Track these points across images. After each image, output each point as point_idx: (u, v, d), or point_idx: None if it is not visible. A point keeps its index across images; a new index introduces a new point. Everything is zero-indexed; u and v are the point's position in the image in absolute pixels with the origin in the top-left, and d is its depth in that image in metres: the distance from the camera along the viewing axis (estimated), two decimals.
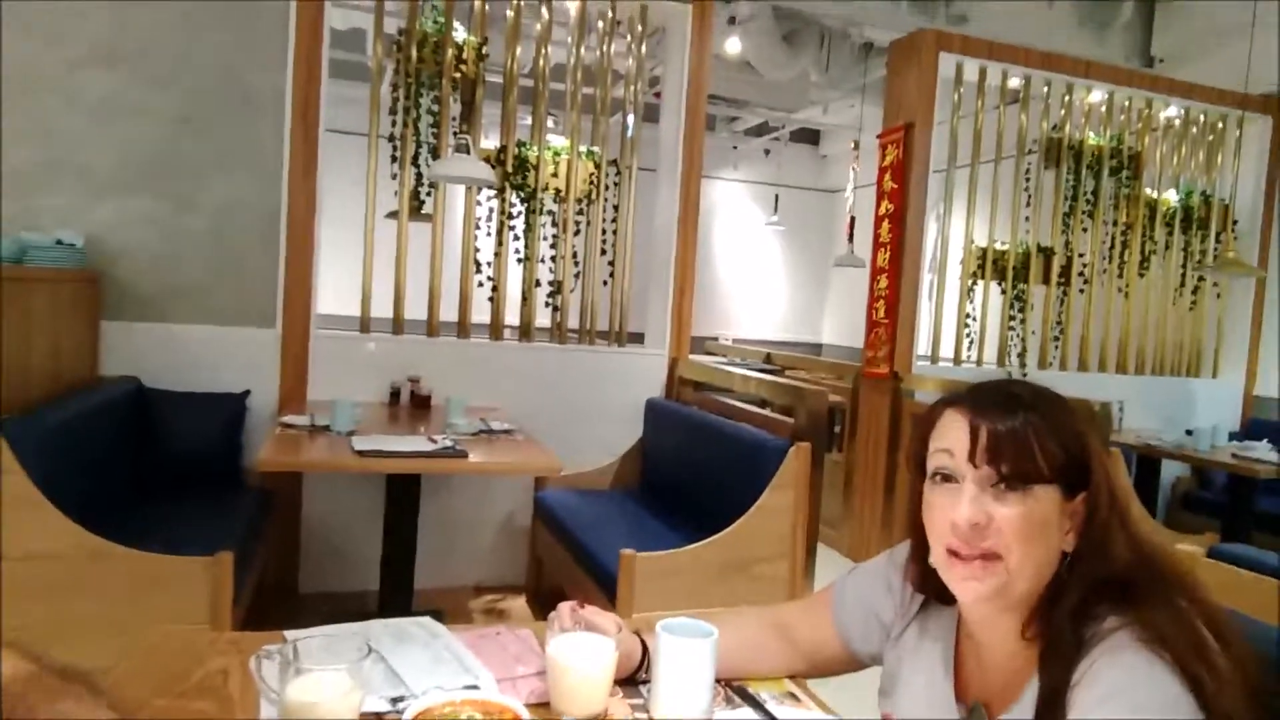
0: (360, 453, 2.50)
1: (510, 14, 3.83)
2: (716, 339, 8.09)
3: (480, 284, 3.83)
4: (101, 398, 2.86)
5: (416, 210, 3.76)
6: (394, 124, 3.67)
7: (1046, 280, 4.93)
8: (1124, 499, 0.91)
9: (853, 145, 8.02)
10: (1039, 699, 0.86)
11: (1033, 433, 0.87)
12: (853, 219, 7.86)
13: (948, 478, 0.91)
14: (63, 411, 2.53)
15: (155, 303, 3.28)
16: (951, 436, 0.91)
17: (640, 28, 4.02)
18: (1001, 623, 0.93)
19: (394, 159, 3.69)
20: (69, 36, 3.14)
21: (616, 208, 4.09)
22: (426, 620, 1.27)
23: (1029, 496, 0.87)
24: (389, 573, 2.91)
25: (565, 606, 1.12)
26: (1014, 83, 4.76)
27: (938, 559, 0.92)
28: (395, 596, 2.87)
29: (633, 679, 1.12)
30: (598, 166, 4.01)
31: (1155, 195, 5.14)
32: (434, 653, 1.16)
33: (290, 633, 1.20)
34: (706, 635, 1.05)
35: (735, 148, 9.02)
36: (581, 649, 1.03)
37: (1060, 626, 0.86)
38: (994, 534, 0.87)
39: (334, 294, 3.85)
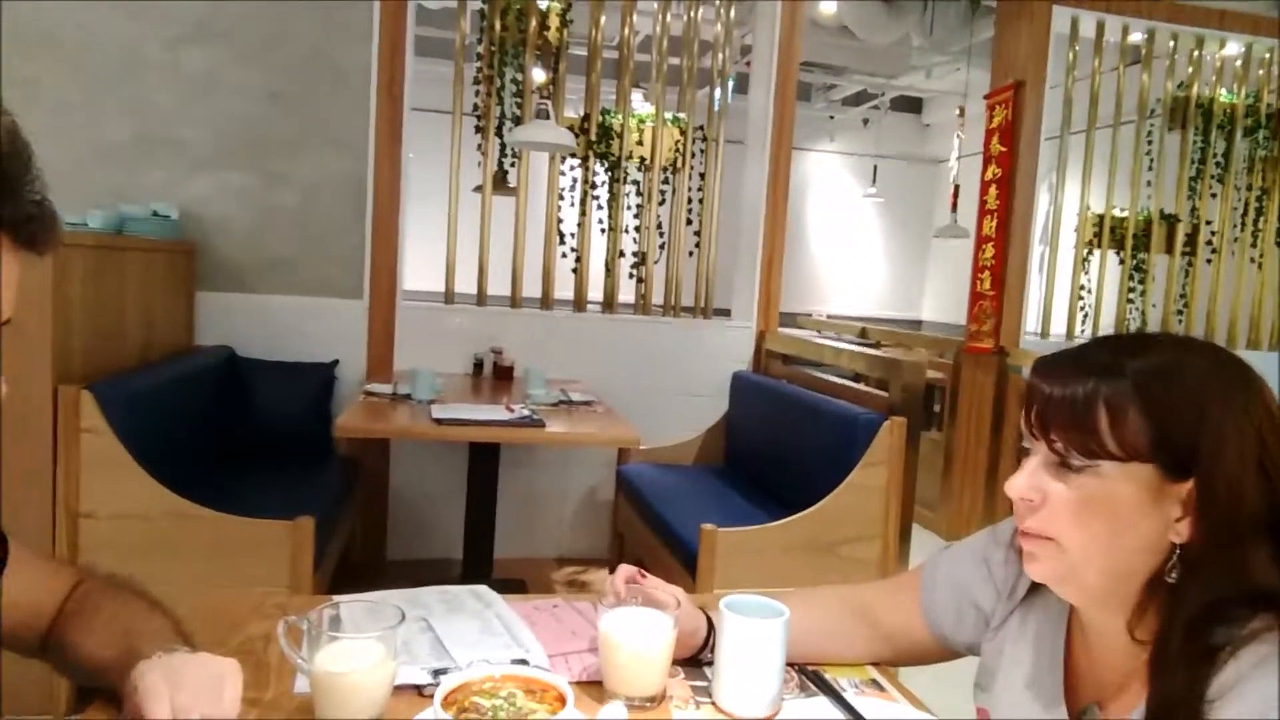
0: (438, 420, 2.48)
1: None
2: (810, 315, 7.86)
3: (564, 255, 3.78)
4: (194, 365, 2.93)
5: (501, 183, 3.73)
6: (477, 95, 3.64)
7: (1170, 250, 4.57)
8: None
9: (958, 112, 7.64)
10: (1146, 712, 0.73)
11: (1104, 404, 0.73)
12: (956, 188, 7.50)
13: (1026, 449, 0.80)
14: (154, 377, 2.59)
15: (248, 274, 3.34)
16: (1025, 404, 0.80)
17: None
18: (1106, 617, 0.79)
19: (478, 129, 3.66)
20: (168, 16, 3.21)
21: (703, 176, 3.97)
22: (482, 589, 1.21)
23: (1094, 475, 0.74)
24: (471, 541, 2.90)
25: (621, 574, 1.02)
26: (1136, 38, 4.40)
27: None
28: (477, 565, 2.86)
29: (696, 659, 1.03)
30: (684, 133, 3.89)
31: None
32: (484, 623, 1.09)
33: (339, 598, 1.15)
34: (777, 615, 0.95)
35: (832, 117, 8.73)
36: (637, 624, 0.94)
37: (1173, 635, 0.72)
38: (1046, 513, 0.76)
39: (420, 270, 3.87)
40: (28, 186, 0.60)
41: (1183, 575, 0.73)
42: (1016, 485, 0.78)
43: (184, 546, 2.27)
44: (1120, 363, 0.75)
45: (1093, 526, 0.74)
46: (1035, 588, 0.92)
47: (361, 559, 3.39)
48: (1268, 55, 4.55)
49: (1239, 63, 4.55)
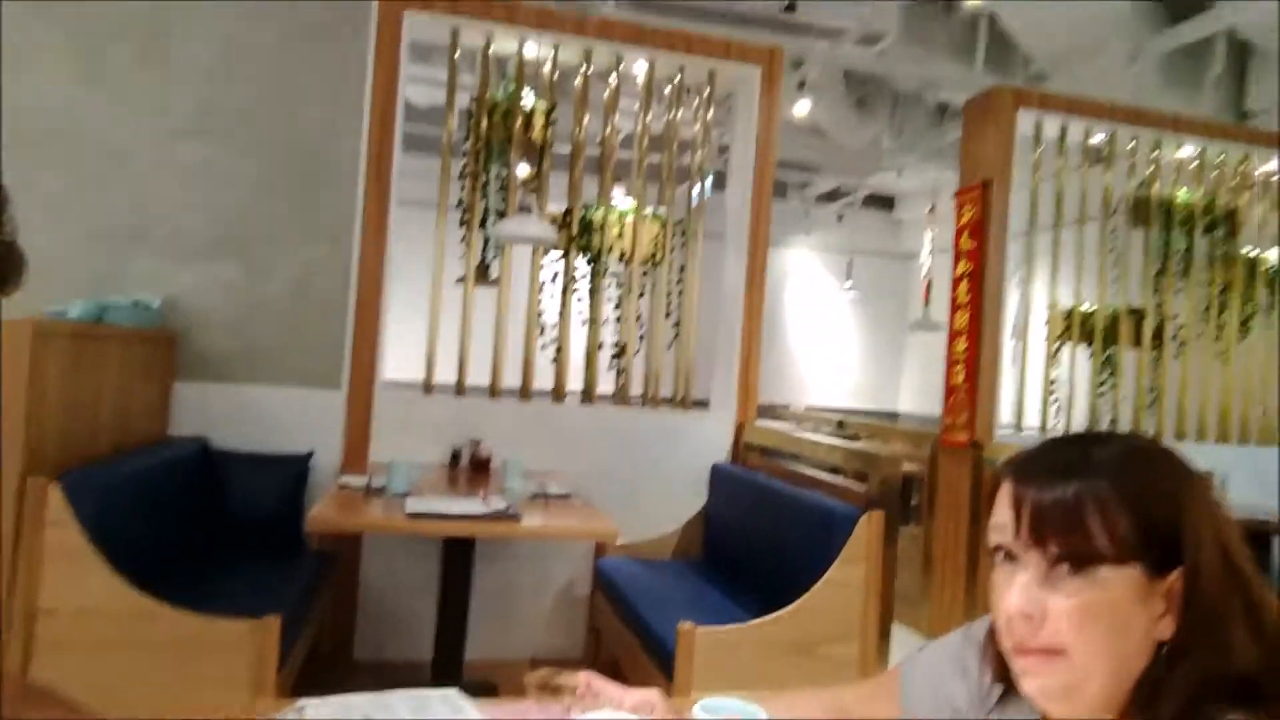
0: (412, 515, 2.44)
1: (579, 83, 3.88)
2: (788, 407, 7.91)
3: (544, 347, 3.81)
4: (167, 456, 2.90)
5: (483, 275, 3.78)
6: (463, 189, 3.73)
7: (1138, 343, 4.66)
8: (1251, 576, 0.73)
9: (929, 209, 7.88)
10: None
11: (1092, 503, 0.71)
12: (929, 282, 7.66)
13: (1009, 555, 0.77)
14: (125, 468, 2.56)
15: (228, 364, 3.33)
16: (1002, 510, 0.77)
17: (709, 91, 4.02)
18: None
19: (462, 223, 3.73)
20: (164, 109, 3.29)
21: (683, 269, 4.04)
22: (452, 693, 1.18)
23: (1093, 581, 0.71)
24: (442, 642, 2.82)
25: (582, 680, 1.00)
26: (1097, 140, 4.59)
27: (1004, 648, 0.78)
28: (447, 667, 2.77)
29: None
30: (664, 227, 3.98)
31: (1255, 254, 4.85)
32: None
33: (304, 701, 1.12)
34: (753, 717, 0.93)
35: (808, 214, 8.97)
36: None
37: None
38: (1050, 628, 0.73)
39: (400, 362, 3.88)
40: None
41: (1169, 672, 0.72)
42: (1014, 604, 0.74)
43: (145, 645, 2.20)
44: (1093, 458, 0.75)
45: (1095, 635, 0.72)
46: (1011, 689, 0.90)
47: (328, 658, 3.28)
48: (1221, 157, 4.76)
49: (1195, 164, 4.74)
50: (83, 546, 2.17)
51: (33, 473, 2.17)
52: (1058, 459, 0.76)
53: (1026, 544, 0.74)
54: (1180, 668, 0.71)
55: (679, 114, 4.01)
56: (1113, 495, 0.72)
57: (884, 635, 2.64)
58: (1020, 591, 0.74)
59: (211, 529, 3.05)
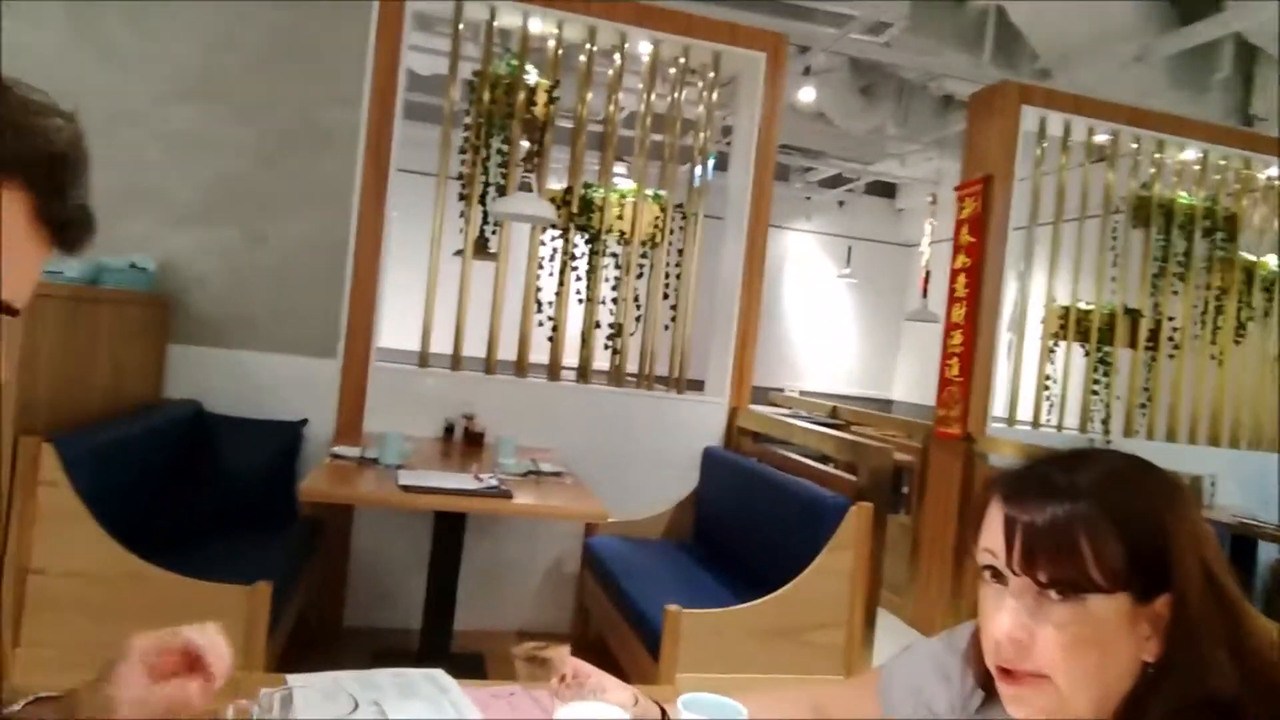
0: (404, 487, 2.45)
1: (583, 59, 3.85)
2: (782, 390, 7.92)
3: (540, 324, 3.81)
4: (160, 419, 2.90)
5: (482, 249, 3.77)
6: (463, 163, 3.71)
7: (1133, 344, 4.68)
8: (1234, 598, 0.74)
9: (930, 199, 7.86)
10: None
11: (1083, 531, 0.71)
12: (928, 273, 7.66)
13: (997, 576, 0.77)
14: (118, 430, 2.56)
15: (223, 329, 3.33)
16: (990, 533, 0.77)
17: (713, 75, 3.99)
18: None
19: (462, 197, 3.71)
20: (156, 71, 3.26)
21: (681, 252, 4.04)
22: (438, 673, 1.19)
23: (1082, 609, 0.71)
24: (431, 612, 2.84)
25: (569, 669, 1.02)
26: (1100, 139, 4.58)
27: (990, 666, 0.78)
28: (436, 637, 2.79)
29: None
30: (664, 209, 3.97)
31: (1254, 259, 4.86)
32: (437, 708, 1.07)
33: (292, 678, 1.13)
34: (733, 716, 0.94)
35: (809, 198, 8.94)
36: None
37: None
38: (1039, 653, 0.73)
39: (397, 330, 3.87)
40: (77, 191, 0.64)
41: (1154, 694, 0.73)
42: (1003, 628, 0.74)
43: (135, 608, 2.21)
44: (1079, 484, 0.74)
45: (1084, 660, 0.72)
46: (992, 697, 0.91)
47: (318, 625, 3.30)
48: (1223, 161, 4.76)
49: (1197, 167, 4.74)
50: (75, 507, 2.18)
51: (25, 433, 2.16)
52: (1047, 482, 0.76)
53: (1018, 569, 0.74)
54: (1163, 689, 0.72)
55: (683, 95, 3.98)
56: (1102, 522, 0.72)
57: (869, 623, 2.67)
58: (1010, 616, 0.74)
59: (204, 493, 3.05)
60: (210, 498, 3.06)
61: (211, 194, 3.32)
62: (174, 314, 3.25)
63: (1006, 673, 0.76)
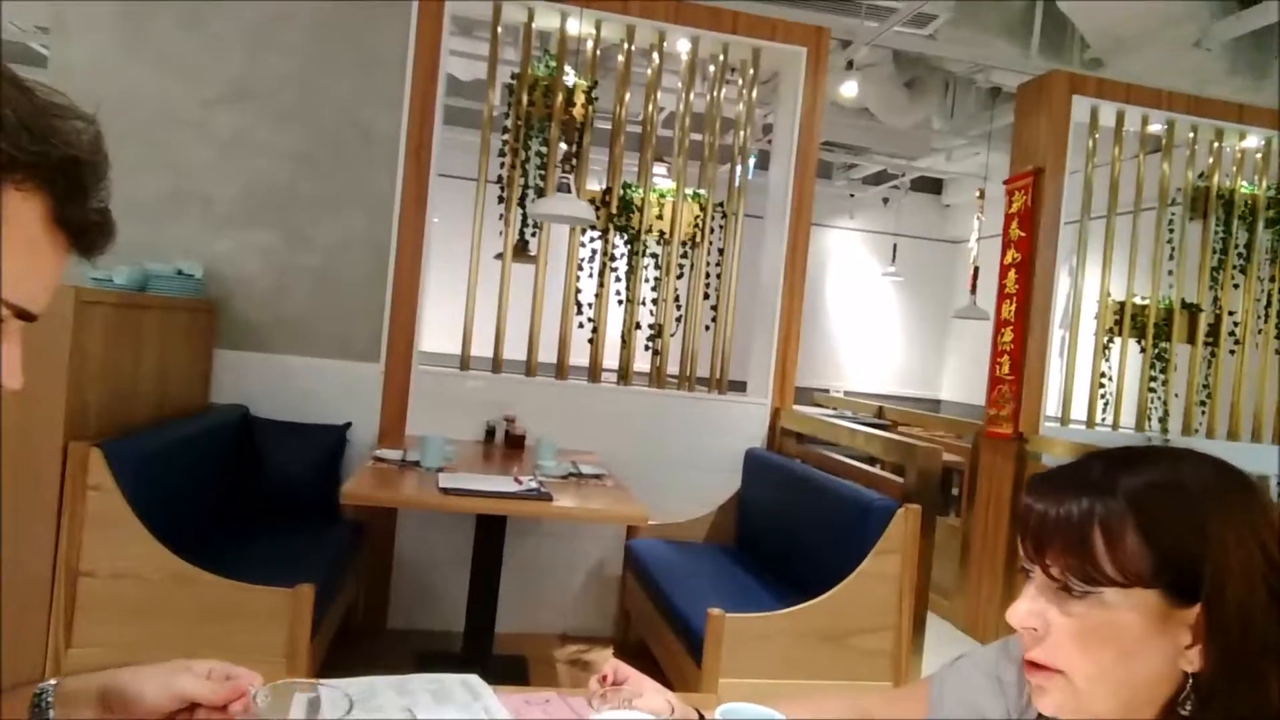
0: (444, 490, 2.45)
1: (621, 59, 3.83)
2: (826, 391, 7.82)
3: (580, 325, 3.79)
4: (207, 423, 2.94)
5: (521, 252, 3.77)
6: (503, 165, 3.71)
7: (1192, 339, 4.51)
8: None
9: (978, 194, 7.69)
10: None
11: (1099, 527, 0.69)
12: (976, 269, 7.50)
13: (1026, 569, 0.76)
14: (165, 435, 2.60)
15: (267, 334, 3.37)
16: (1020, 526, 0.76)
17: (752, 72, 3.94)
18: None
19: (501, 199, 3.71)
20: (205, 76, 3.31)
21: (722, 251, 3.99)
22: (473, 679, 1.17)
23: (1098, 603, 0.69)
24: (473, 614, 2.84)
25: (608, 671, 0.99)
26: (1155, 128, 4.43)
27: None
28: (478, 639, 2.79)
29: None
30: (704, 209, 3.93)
31: None
32: (471, 716, 1.05)
33: (324, 682, 1.11)
34: None
35: (852, 195, 8.81)
36: None
37: None
38: (1051, 644, 0.72)
39: (438, 333, 3.89)
40: (97, 195, 0.63)
41: (1197, 706, 0.69)
42: (1018, 613, 0.74)
43: (181, 609, 2.24)
44: (1114, 480, 0.71)
45: (1099, 657, 0.70)
46: None
47: (362, 626, 3.33)
48: None
49: (1259, 155, 4.56)
50: (123, 511, 2.21)
51: (74, 438, 2.20)
52: (1078, 476, 0.74)
53: (1030, 558, 0.74)
54: (1211, 706, 0.68)
55: (722, 93, 3.94)
56: (1127, 519, 0.69)
57: (919, 629, 2.60)
58: (1026, 604, 0.74)
59: (249, 496, 3.10)
60: (256, 501, 3.10)
61: (255, 197, 3.36)
62: (220, 319, 3.30)
63: (1031, 665, 0.75)
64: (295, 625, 2.25)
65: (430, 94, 3.48)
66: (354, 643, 3.12)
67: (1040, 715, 0.86)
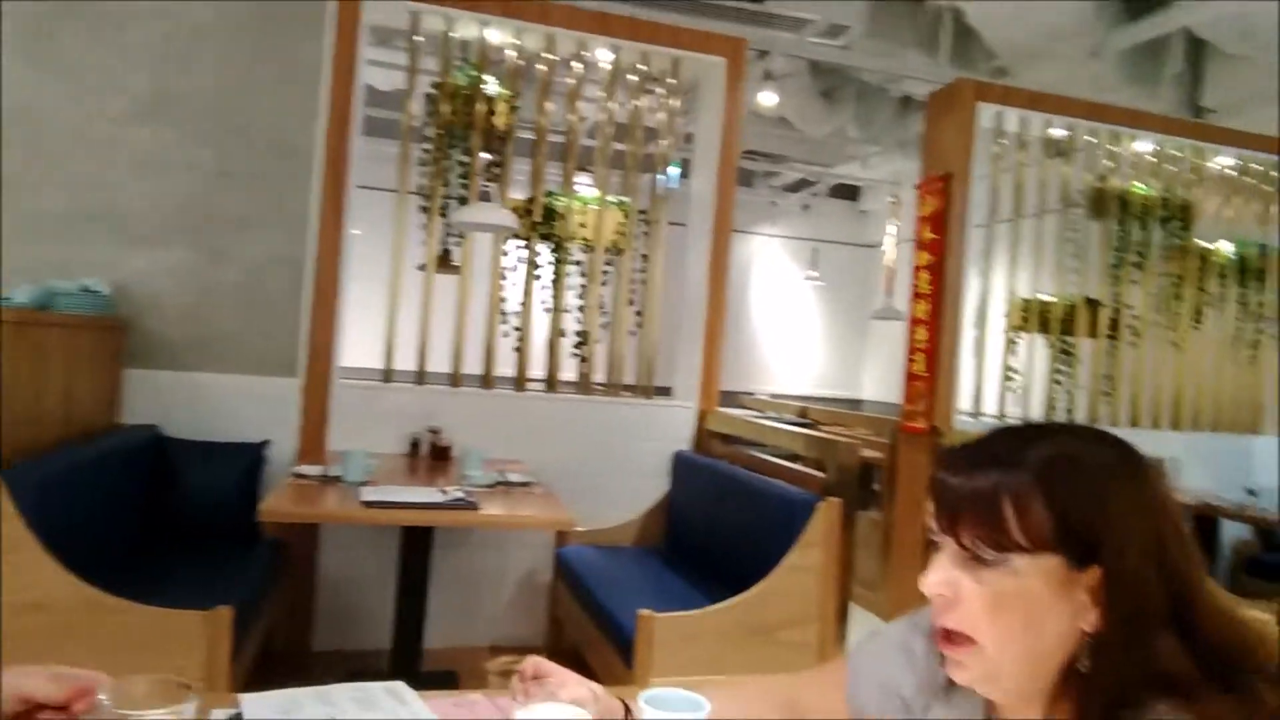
0: (367, 504, 2.42)
1: (543, 69, 3.84)
2: (752, 394, 7.94)
3: (506, 334, 3.78)
4: (116, 445, 2.84)
5: (444, 262, 3.74)
6: (424, 176, 3.68)
7: (1094, 333, 4.74)
8: (1181, 576, 0.73)
9: (892, 199, 7.93)
10: None
11: (1008, 497, 0.73)
12: (892, 272, 7.72)
13: (935, 542, 0.79)
14: (71, 458, 2.49)
15: (181, 352, 3.27)
16: (929, 499, 0.80)
17: (673, 82, 4.00)
18: (1024, 709, 0.79)
19: (423, 209, 3.68)
20: (114, 91, 3.21)
21: (646, 258, 4.03)
22: (399, 686, 1.16)
23: (1007, 570, 0.73)
24: (401, 631, 2.80)
25: (529, 668, 1.00)
26: (1057, 134, 4.65)
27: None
28: (406, 656, 2.75)
29: None
30: (627, 217, 3.97)
31: (1209, 247, 4.95)
32: None
33: (245, 696, 1.10)
34: (696, 709, 0.92)
35: (774, 203, 8.99)
36: None
37: None
38: (963, 611, 0.75)
39: (361, 347, 3.83)
40: None
41: (1093, 664, 0.74)
42: (930, 582, 0.77)
43: (94, 639, 2.15)
44: (1020, 453, 0.76)
45: (1008, 622, 0.74)
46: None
47: (286, 648, 3.25)
48: (1177, 153, 4.85)
49: (1152, 159, 4.82)
50: (25, 539, 2.12)
51: None
52: (985, 452, 0.78)
53: (943, 530, 0.77)
54: (1106, 662, 0.73)
55: (644, 102, 3.99)
56: (1034, 489, 0.73)
57: (841, 619, 2.67)
58: (937, 573, 0.77)
59: (164, 519, 2.99)
60: (171, 524, 3.00)
61: (167, 214, 3.27)
62: (130, 337, 3.19)
63: (944, 638, 0.78)
64: (214, 649, 2.19)
65: (347, 105, 3.44)
66: (277, 666, 3.04)
67: (950, 682, 0.90)
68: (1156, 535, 0.74)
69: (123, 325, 3.16)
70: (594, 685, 0.99)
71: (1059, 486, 0.73)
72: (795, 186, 8.88)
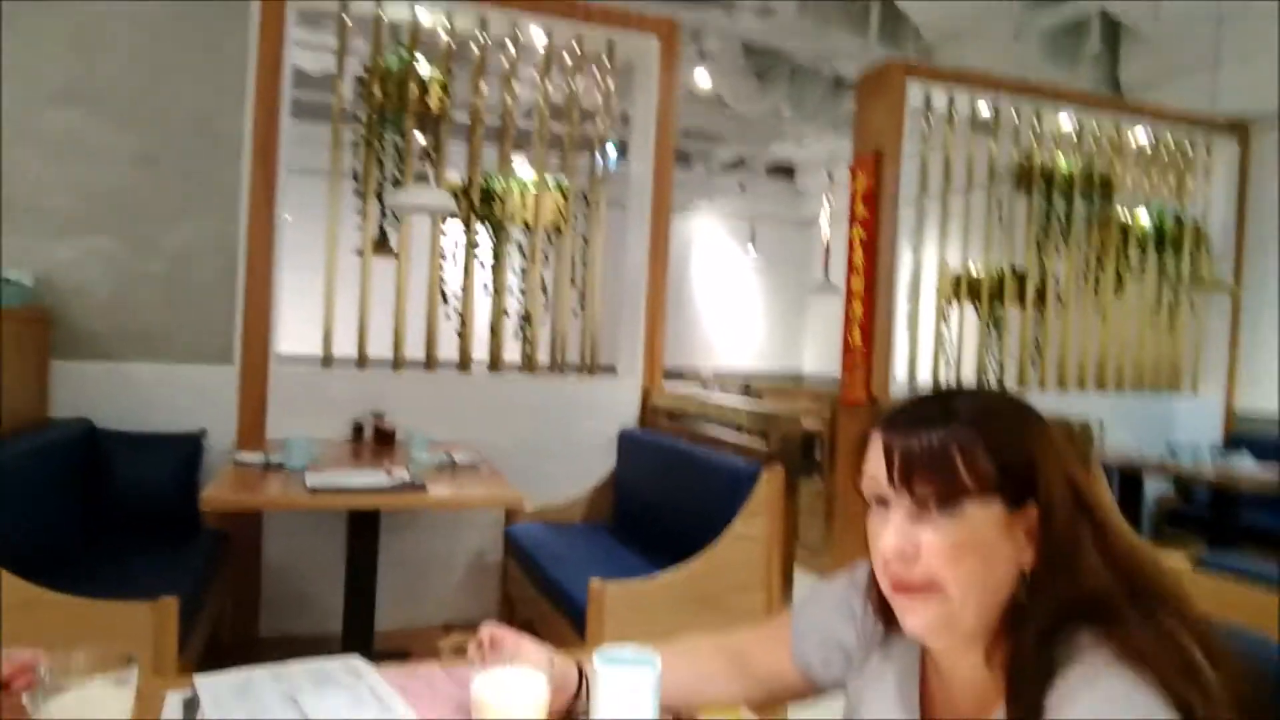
0: (312, 489, 2.40)
1: (476, 50, 3.80)
2: (697, 370, 8.03)
3: (448, 317, 3.76)
4: (47, 440, 2.76)
5: (382, 246, 3.70)
6: (357, 158, 3.63)
7: (1022, 303, 4.92)
8: (1100, 509, 0.82)
9: (827, 177, 8.06)
10: None
11: (956, 447, 0.79)
12: (828, 248, 7.86)
13: (882, 501, 0.84)
14: (1, 454, 2.42)
15: (112, 342, 3.19)
16: (874, 461, 0.84)
17: (608, 62, 4.00)
18: (964, 651, 0.85)
19: (357, 193, 3.63)
20: (29, 77, 3.09)
21: (586, 238, 4.04)
22: (355, 660, 1.18)
23: (959, 517, 0.79)
24: (350, 614, 2.79)
25: (483, 633, 1.03)
26: (984, 114, 4.78)
27: (884, 589, 0.85)
28: (356, 639, 2.75)
29: (571, 713, 1.03)
30: (566, 198, 3.97)
31: (1128, 218, 5.15)
32: (355, 696, 1.06)
33: (200, 677, 1.10)
34: (648, 663, 0.96)
35: (711, 182, 9.05)
36: (509, 686, 0.94)
37: (1024, 651, 0.78)
38: (925, 562, 0.80)
39: (301, 333, 3.77)
40: None
41: (1028, 595, 0.80)
42: (890, 543, 0.81)
43: (35, 636, 2.09)
44: (954, 409, 0.82)
45: (970, 566, 0.79)
46: (891, 626, 0.97)
47: (233, 637, 3.21)
48: (1097, 128, 5.03)
49: (1074, 135, 5.00)
50: None
51: None
52: (922, 412, 0.84)
53: (898, 488, 0.81)
54: (1042, 592, 0.79)
55: (579, 83, 3.98)
56: (973, 438, 0.80)
57: (787, 583, 2.75)
58: (894, 531, 0.81)
59: (102, 514, 2.92)
60: (110, 518, 2.93)
61: (93, 202, 3.17)
62: (57, 329, 3.10)
63: (900, 588, 0.82)
64: (160, 640, 2.16)
65: (275, 88, 3.36)
66: (225, 655, 3.00)
67: (887, 633, 0.96)
68: (1070, 472, 0.82)
69: (49, 317, 3.06)
70: (549, 648, 1.02)
71: (995, 434, 0.80)
72: (733, 165, 8.95)
